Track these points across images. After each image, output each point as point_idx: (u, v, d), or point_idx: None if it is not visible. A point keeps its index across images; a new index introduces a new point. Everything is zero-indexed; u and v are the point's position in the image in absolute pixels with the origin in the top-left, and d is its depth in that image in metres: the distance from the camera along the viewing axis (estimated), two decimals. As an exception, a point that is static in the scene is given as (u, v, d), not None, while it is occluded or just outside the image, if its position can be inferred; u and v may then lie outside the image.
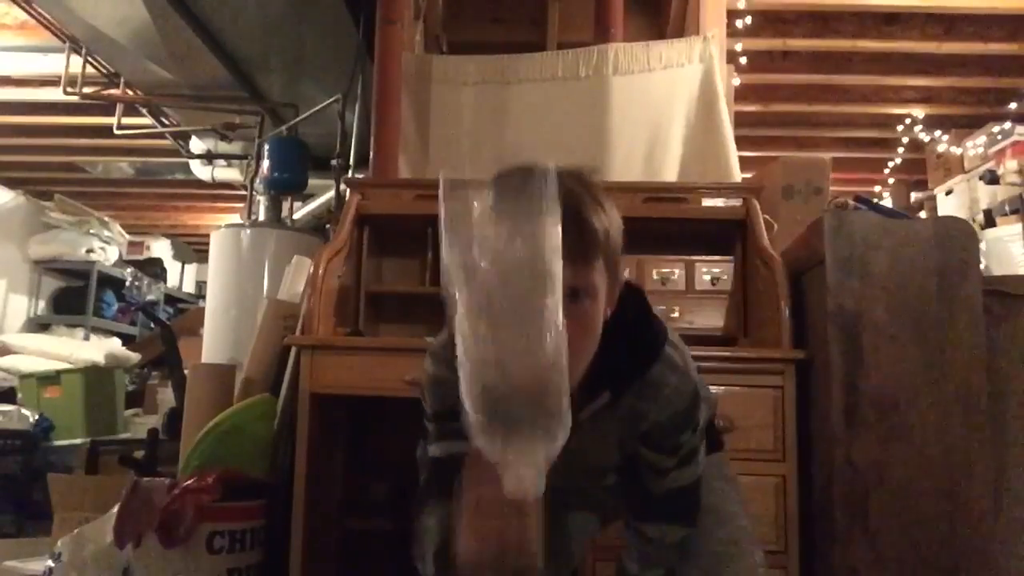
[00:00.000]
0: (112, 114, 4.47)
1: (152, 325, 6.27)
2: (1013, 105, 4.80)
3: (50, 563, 1.74)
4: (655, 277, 2.34)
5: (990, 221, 4.68)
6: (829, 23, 4.11)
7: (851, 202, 2.04)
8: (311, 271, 2.12)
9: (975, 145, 5.01)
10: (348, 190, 2.59)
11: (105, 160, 6.26)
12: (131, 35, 3.52)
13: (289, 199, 4.02)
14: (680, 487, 1.17)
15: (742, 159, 2.80)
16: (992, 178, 4.81)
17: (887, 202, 5.89)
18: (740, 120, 3.26)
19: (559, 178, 0.87)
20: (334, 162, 3.53)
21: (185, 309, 7.27)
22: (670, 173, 2.77)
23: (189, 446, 1.96)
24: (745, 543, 1.25)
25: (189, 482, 1.75)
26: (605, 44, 2.91)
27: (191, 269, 8.22)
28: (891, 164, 5.83)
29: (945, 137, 5.24)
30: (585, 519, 1.38)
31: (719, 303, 2.32)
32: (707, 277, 2.34)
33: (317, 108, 3.68)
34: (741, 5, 3.68)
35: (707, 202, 2.58)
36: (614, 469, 1.25)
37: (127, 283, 6.52)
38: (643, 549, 1.25)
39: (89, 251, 6.16)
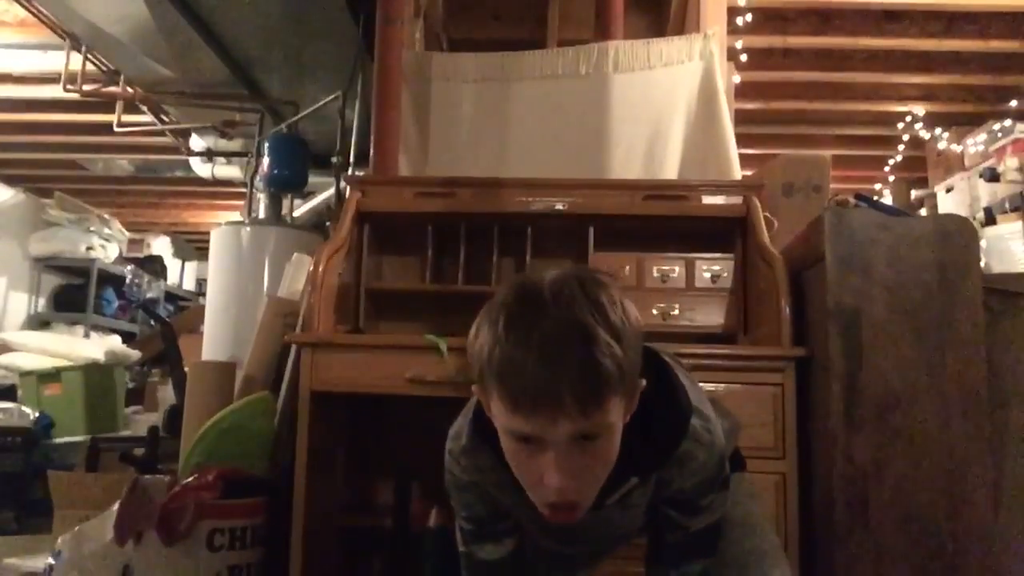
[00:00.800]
0: (112, 111, 4.47)
1: (152, 323, 6.27)
2: (1014, 103, 4.80)
3: (50, 560, 1.74)
4: (655, 274, 2.34)
5: (990, 219, 4.68)
6: (829, 20, 4.11)
7: (851, 200, 2.03)
8: (311, 269, 2.12)
9: (975, 143, 5.01)
10: (348, 187, 2.59)
11: (105, 157, 6.26)
12: (131, 32, 3.52)
13: (289, 196, 4.02)
14: (701, 530, 1.17)
15: (742, 156, 2.80)
16: (992, 176, 4.81)
17: (887, 200, 5.89)
18: (740, 117, 3.26)
19: (566, 300, 0.89)
20: (334, 159, 3.53)
21: (185, 307, 7.29)
22: (670, 170, 2.77)
23: (189, 443, 1.96)
24: (773, 555, 1.25)
25: (189, 479, 1.75)
26: (605, 41, 2.91)
27: (191, 267, 8.22)
28: (891, 162, 5.83)
29: (945, 134, 5.24)
30: (595, 563, 1.40)
31: (719, 300, 2.32)
32: (707, 275, 2.34)
33: (317, 105, 3.68)
34: (741, 2, 3.67)
35: (707, 199, 2.58)
36: (639, 530, 1.26)
37: (127, 280, 6.53)
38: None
39: (89, 248, 6.16)
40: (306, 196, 4.24)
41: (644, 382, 0.98)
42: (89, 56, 3.95)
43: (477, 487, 1.15)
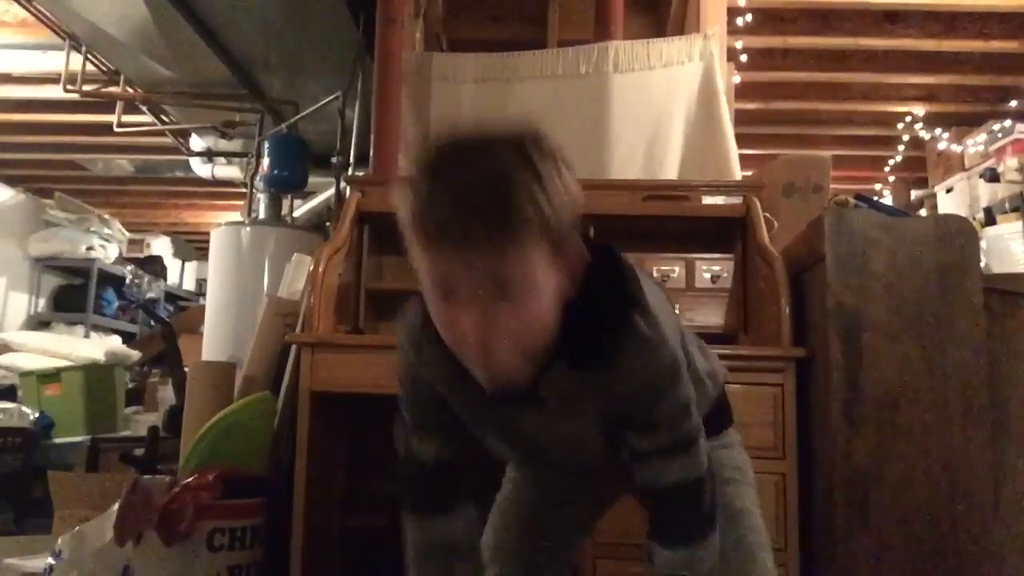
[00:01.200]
0: (112, 112, 4.47)
1: (152, 323, 6.27)
2: (1014, 103, 4.80)
3: (50, 560, 1.74)
4: (655, 275, 2.34)
5: (990, 219, 4.68)
6: (829, 21, 4.11)
7: (851, 200, 2.04)
8: (311, 269, 2.12)
9: (975, 143, 5.01)
10: (348, 188, 2.59)
11: (105, 158, 6.26)
12: (131, 32, 3.52)
13: (289, 197, 4.02)
14: (678, 485, 1.02)
15: (742, 157, 2.80)
16: (992, 176, 4.81)
17: (887, 200, 5.89)
18: (740, 118, 3.26)
19: (495, 148, 0.87)
20: (334, 160, 3.53)
21: (185, 307, 7.29)
22: (670, 171, 2.77)
23: (189, 444, 1.96)
24: (755, 548, 1.14)
25: (189, 480, 1.75)
26: (605, 42, 2.91)
27: (191, 267, 8.22)
28: (891, 162, 5.83)
29: (945, 135, 5.24)
30: (584, 511, 1.31)
31: (719, 301, 2.32)
32: (707, 275, 2.34)
33: (317, 106, 3.68)
34: (741, 3, 3.67)
35: (707, 200, 2.58)
36: (607, 459, 1.13)
37: (127, 281, 6.54)
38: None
39: (89, 249, 6.16)
40: (306, 196, 4.24)
41: (584, 261, 0.94)
42: (89, 56, 3.95)
43: (427, 385, 1.08)
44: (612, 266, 1.01)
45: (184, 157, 5.12)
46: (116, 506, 1.72)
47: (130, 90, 4.21)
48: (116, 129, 4.47)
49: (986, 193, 4.83)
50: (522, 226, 0.84)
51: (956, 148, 5.20)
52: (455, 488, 1.13)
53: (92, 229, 6.19)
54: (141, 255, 7.42)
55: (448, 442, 1.12)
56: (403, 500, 1.16)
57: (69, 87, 4.02)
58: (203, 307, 3.79)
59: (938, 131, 5.24)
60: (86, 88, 4.07)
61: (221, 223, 3.57)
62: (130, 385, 4.54)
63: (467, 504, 1.14)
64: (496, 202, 0.83)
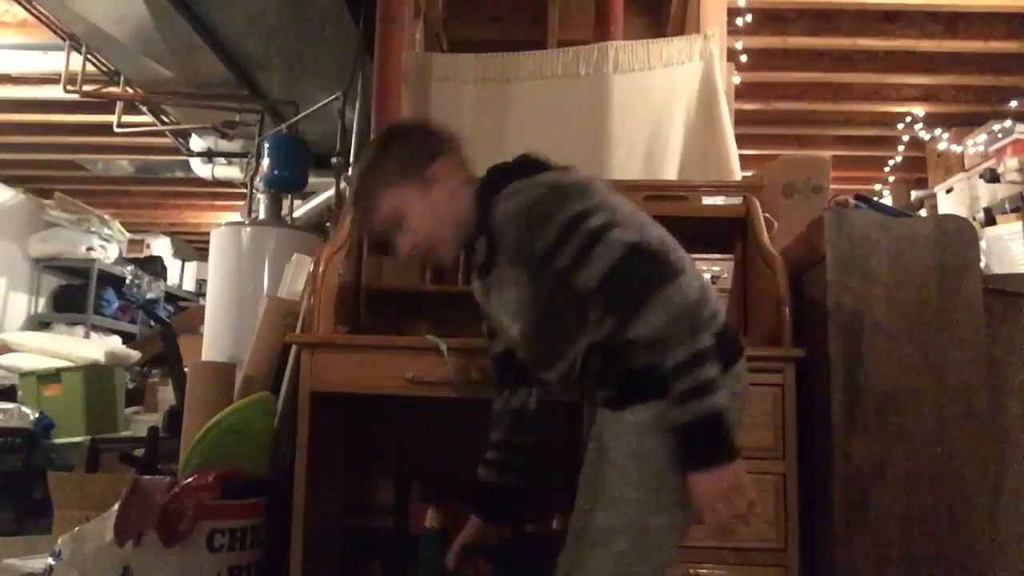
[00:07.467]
0: (112, 112, 4.47)
1: (152, 323, 6.28)
2: (1014, 103, 4.80)
3: (50, 561, 1.74)
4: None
5: (990, 219, 4.68)
6: (829, 21, 4.11)
7: (851, 200, 2.04)
8: (311, 269, 2.11)
9: (975, 143, 5.01)
10: (348, 188, 2.59)
11: (105, 158, 6.27)
12: (131, 33, 3.52)
13: (289, 197, 4.02)
14: (596, 286, 1.18)
15: (742, 157, 2.80)
16: (992, 176, 4.81)
17: (887, 200, 5.89)
18: (740, 118, 3.26)
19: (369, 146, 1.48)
20: (334, 160, 3.53)
21: (185, 307, 7.28)
22: (670, 171, 2.77)
23: (189, 444, 1.96)
24: (616, 533, 1.18)
25: (189, 480, 1.75)
26: (605, 42, 2.91)
27: (191, 267, 8.22)
28: (891, 162, 5.83)
29: (945, 135, 5.24)
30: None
31: (719, 301, 2.32)
32: (707, 275, 2.34)
33: (317, 106, 3.68)
34: (741, 3, 3.67)
35: (707, 200, 2.58)
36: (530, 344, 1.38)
37: (127, 281, 6.53)
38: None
39: (89, 249, 6.16)
40: (306, 196, 4.24)
41: (464, 182, 1.41)
42: (89, 56, 3.95)
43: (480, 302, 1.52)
44: (501, 169, 1.42)
45: (184, 157, 5.12)
46: (116, 506, 1.72)
47: (130, 90, 4.21)
48: (116, 129, 4.47)
49: (986, 193, 4.83)
50: (375, 211, 1.39)
51: (956, 148, 5.19)
52: (515, 372, 1.49)
53: (92, 229, 6.20)
54: (141, 255, 7.41)
55: (500, 341, 1.50)
56: (492, 383, 1.58)
57: (69, 87, 4.02)
58: (203, 307, 3.79)
59: (938, 131, 5.24)
60: (86, 88, 4.07)
61: (221, 223, 3.57)
62: (130, 385, 4.53)
63: (522, 384, 1.50)
64: (360, 198, 1.42)
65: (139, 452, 2.34)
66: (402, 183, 1.36)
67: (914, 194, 5.77)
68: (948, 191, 5.25)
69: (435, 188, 1.37)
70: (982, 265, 1.79)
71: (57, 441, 3.45)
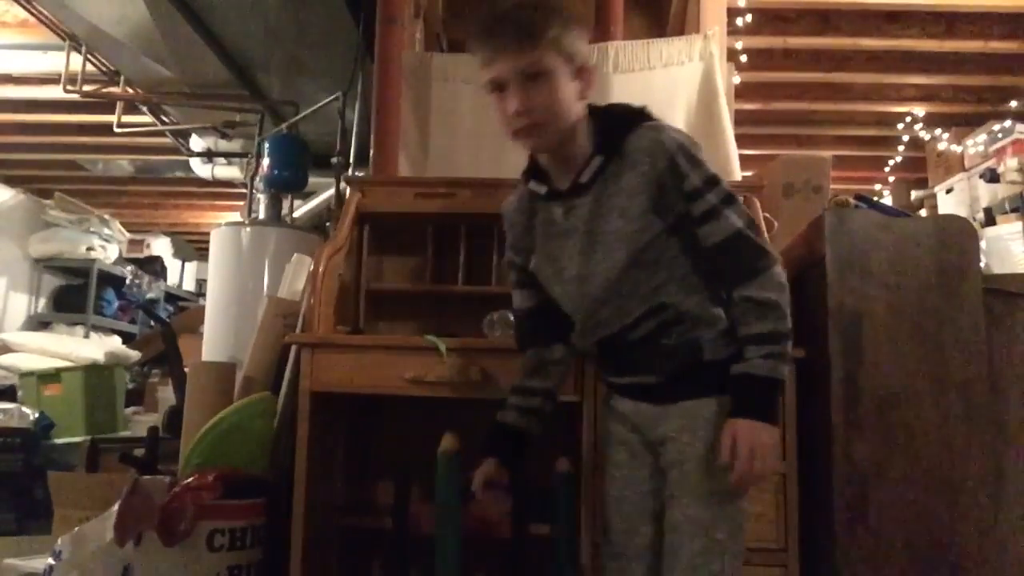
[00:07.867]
0: (112, 112, 4.48)
1: (152, 323, 6.28)
2: (1014, 103, 4.80)
3: (50, 561, 1.74)
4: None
5: (990, 219, 4.68)
6: (830, 21, 4.11)
7: (851, 200, 2.04)
8: (311, 269, 2.12)
9: (975, 143, 5.01)
10: (348, 188, 2.59)
11: (105, 158, 6.26)
12: (131, 33, 3.52)
13: (289, 197, 4.01)
14: (720, 242, 1.30)
15: (742, 157, 2.79)
16: (992, 176, 4.81)
17: (887, 200, 5.89)
18: (740, 118, 3.26)
19: None
20: (334, 160, 3.52)
21: (185, 307, 7.28)
22: (670, 171, 2.76)
23: (189, 444, 1.96)
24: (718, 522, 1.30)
25: (189, 480, 1.75)
26: (605, 42, 2.91)
27: (191, 267, 8.22)
28: (891, 162, 5.83)
29: (945, 135, 5.24)
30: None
31: (719, 301, 2.32)
32: (707, 275, 2.33)
33: (317, 106, 3.68)
34: (741, 3, 3.67)
35: (707, 200, 2.56)
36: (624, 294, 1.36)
37: (127, 281, 6.54)
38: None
39: (89, 249, 6.16)
40: (306, 197, 4.24)
41: (589, 71, 1.34)
42: (89, 56, 3.96)
43: (519, 244, 1.50)
44: (626, 105, 1.40)
45: (184, 157, 5.12)
46: (116, 506, 1.72)
47: (130, 90, 4.22)
48: (116, 129, 4.47)
49: (986, 193, 4.82)
50: (540, 35, 1.27)
51: (956, 148, 5.19)
52: (545, 328, 1.51)
53: (92, 229, 6.20)
54: (141, 255, 7.42)
55: (533, 295, 1.50)
56: (516, 340, 1.59)
57: (69, 87, 4.02)
58: (203, 307, 3.78)
59: (938, 131, 5.24)
60: (86, 88, 4.07)
61: (221, 223, 3.56)
62: (130, 385, 4.53)
63: (557, 342, 1.51)
64: (524, 18, 1.29)
65: (139, 452, 2.34)
66: (578, 43, 1.33)
67: (914, 194, 5.77)
68: (948, 191, 5.25)
69: (581, 80, 1.34)
70: (982, 265, 1.79)
71: (57, 441, 3.44)
